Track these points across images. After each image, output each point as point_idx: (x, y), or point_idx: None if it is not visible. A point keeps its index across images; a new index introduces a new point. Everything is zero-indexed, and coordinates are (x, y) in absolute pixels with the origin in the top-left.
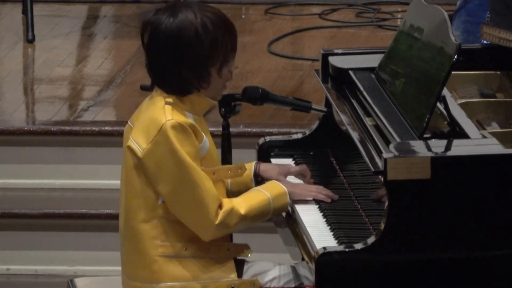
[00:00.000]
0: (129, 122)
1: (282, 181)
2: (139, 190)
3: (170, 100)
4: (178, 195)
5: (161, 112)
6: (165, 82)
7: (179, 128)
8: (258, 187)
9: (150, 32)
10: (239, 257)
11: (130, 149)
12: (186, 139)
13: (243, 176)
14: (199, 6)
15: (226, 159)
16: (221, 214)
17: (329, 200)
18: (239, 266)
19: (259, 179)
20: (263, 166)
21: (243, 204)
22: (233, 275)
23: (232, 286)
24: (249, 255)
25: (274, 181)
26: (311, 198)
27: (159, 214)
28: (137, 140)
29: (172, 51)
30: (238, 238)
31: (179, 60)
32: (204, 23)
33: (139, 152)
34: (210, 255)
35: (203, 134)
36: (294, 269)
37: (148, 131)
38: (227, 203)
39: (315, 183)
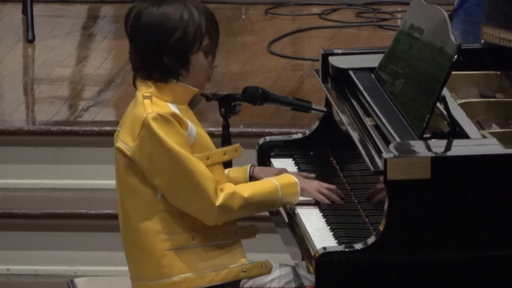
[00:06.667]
0: (118, 127)
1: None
2: (135, 189)
3: (148, 94)
4: (174, 185)
5: (141, 107)
6: (146, 68)
7: (161, 119)
8: (267, 178)
9: (133, 17)
10: (247, 239)
11: (118, 150)
12: (170, 129)
13: (237, 180)
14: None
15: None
16: (222, 196)
17: (341, 202)
18: None
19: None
20: (258, 168)
21: (247, 188)
22: (244, 259)
23: (244, 270)
24: (257, 236)
25: (285, 173)
26: (317, 199)
27: (160, 209)
28: (124, 140)
29: (154, 34)
30: None
31: (161, 44)
32: (190, 9)
33: (127, 150)
34: (219, 241)
35: (188, 121)
36: (294, 269)
37: (132, 129)
38: (229, 186)
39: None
